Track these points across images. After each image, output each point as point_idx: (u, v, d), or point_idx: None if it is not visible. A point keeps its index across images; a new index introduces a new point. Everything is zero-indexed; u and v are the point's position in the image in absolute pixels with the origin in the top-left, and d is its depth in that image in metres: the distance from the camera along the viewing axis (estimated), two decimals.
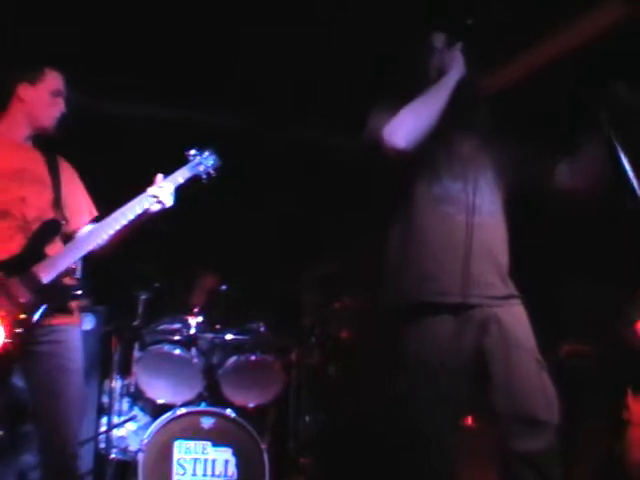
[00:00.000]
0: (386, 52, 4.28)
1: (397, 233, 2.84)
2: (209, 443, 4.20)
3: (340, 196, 5.32)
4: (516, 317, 2.76)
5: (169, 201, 3.12)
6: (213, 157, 3.33)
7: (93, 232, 3.06)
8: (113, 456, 4.21)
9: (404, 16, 4.14)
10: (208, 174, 3.30)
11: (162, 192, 3.11)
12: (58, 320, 2.95)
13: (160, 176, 3.16)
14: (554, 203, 3.01)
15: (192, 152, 3.29)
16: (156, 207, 3.10)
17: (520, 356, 2.67)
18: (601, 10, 3.83)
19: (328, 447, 4.55)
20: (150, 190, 3.11)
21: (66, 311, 2.97)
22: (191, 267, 4.86)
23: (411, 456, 2.75)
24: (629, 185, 2.37)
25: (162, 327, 4.56)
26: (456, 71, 2.77)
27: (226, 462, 4.20)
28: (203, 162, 3.29)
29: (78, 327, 3.08)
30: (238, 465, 4.19)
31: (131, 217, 3.06)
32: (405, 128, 2.67)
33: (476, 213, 2.73)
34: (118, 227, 3.05)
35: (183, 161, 3.27)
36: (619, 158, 2.40)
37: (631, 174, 2.38)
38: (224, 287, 4.70)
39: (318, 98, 5.08)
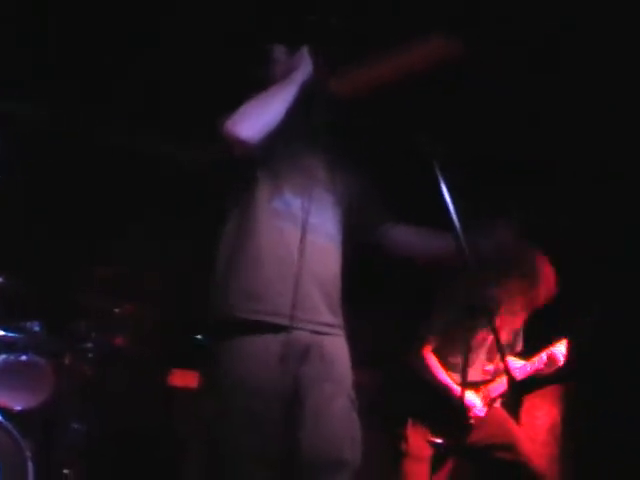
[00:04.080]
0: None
1: (230, 243, 2.74)
2: None
3: (130, 200, 5.19)
4: (338, 349, 2.75)
5: None
6: None
7: None
8: None
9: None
10: None
11: None
12: None
13: None
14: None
15: None
16: None
17: (333, 391, 2.65)
18: (426, 44, 4.01)
19: (93, 457, 4.38)
20: None
21: None
22: None
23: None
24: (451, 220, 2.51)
25: None
26: (303, 69, 2.75)
27: None
28: None
29: None
30: None
31: None
32: (249, 119, 2.62)
33: (312, 233, 2.69)
34: None
35: None
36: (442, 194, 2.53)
37: (452, 210, 2.52)
38: (0, 279, 4.38)
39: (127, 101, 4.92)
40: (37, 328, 4.33)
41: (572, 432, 4.40)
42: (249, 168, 2.72)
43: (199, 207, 3.63)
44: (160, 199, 5.23)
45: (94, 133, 5.18)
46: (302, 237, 2.66)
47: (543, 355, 4.09)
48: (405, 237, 3.02)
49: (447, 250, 2.80)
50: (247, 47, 3.24)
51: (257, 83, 2.85)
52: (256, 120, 2.62)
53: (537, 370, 4.08)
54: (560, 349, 4.10)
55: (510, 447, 3.96)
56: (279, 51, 2.91)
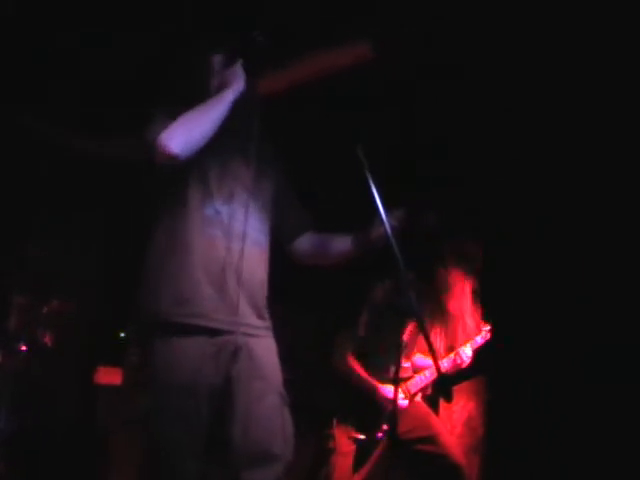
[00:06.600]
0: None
1: (160, 247, 2.80)
2: None
3: (56, 196, 5.16)
4: (266, 349, 2.83)
5: None
6: None
7: None
8: None
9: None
10: None
11: None
12: None
13: None
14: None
15: None
16: None
17: (264, 389, 2.73)
18: (348, 47, 4.18)
19: (23, 452, 4.38)
20: None
21: None
22: None
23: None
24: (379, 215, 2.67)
25: None
26: (237, 86, 2.82)
27: None
28: None
29: None
30: None
31: None
32: (180, 135, 2.66)
33: (240, 240, 2.78)
34: None
35: None
36: (372, 194, 2.68)
37: (381, 207, 2.68)
38: None
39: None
40: None
41: (488, 424, 4.63)
42: (173, 174, 2.77)
43: (126, 204, 3.65)
44: (87, 195, 5.23)
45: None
46: (230, 244, 2.77)
47: (449, 357, 4.33)
48: (309, 246, 3.17)
49: (347, 252, 3.06)
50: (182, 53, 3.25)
51: (191, 91, 2.95)
52: (189, 136, 2.68)
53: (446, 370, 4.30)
54: (466, 351, 4.33)
55: (431, 440, 4.19)
56: (216, 62, 2.97)
